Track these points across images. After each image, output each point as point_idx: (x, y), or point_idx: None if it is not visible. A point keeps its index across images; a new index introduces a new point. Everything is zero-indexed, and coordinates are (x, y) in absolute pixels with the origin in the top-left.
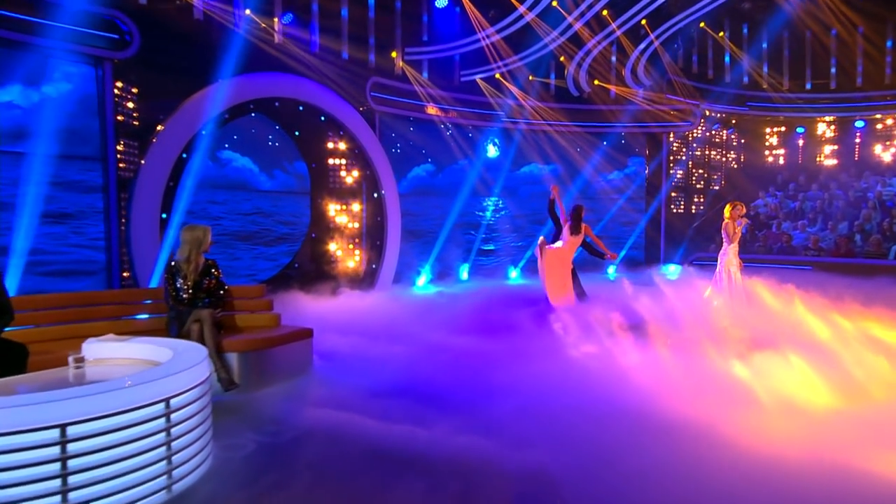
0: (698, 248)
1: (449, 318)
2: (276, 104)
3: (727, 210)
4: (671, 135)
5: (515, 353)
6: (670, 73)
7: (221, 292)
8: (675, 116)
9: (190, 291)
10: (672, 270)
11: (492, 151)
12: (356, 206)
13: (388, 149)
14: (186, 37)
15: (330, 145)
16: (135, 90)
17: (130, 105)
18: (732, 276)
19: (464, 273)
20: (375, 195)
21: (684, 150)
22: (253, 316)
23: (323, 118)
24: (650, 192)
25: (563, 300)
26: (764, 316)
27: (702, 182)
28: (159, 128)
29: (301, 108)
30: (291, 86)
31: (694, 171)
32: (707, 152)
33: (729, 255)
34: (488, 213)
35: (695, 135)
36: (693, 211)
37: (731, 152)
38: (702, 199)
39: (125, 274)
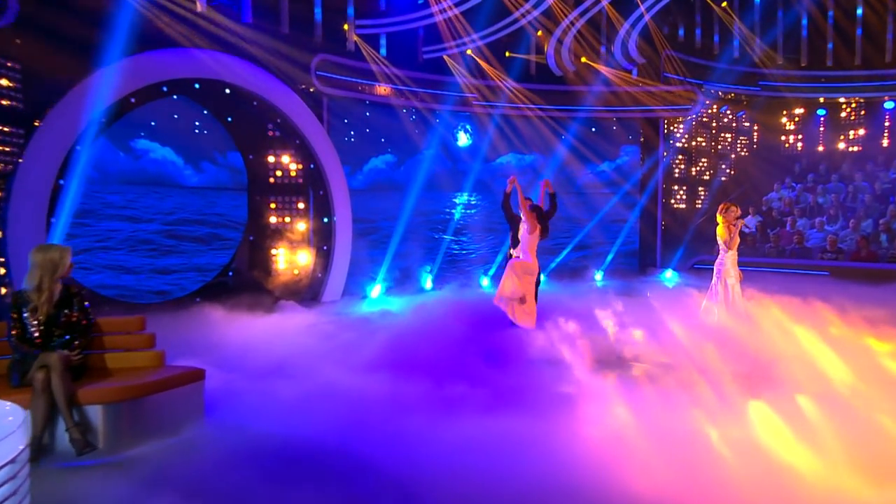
0: (700, 250)
1: (382, 347)
2: (197, 86)
3: (719, 214)
4: (670, 120)
5: (447, 401)
6: (667, 48)
7: (84, 325)
8: (673, 98)
9: (41, 328)
10: (669, 277)
11: (463, 139)
12: (301, 205)
13: (340, 137)
14: (80, 4)
15: (270, 134)
16: (14, 65)
17: (7, 83)
18: (730, 289)
19: (427, 281)
20: (321, 192)
21: (684, 136)
22: (130, 355)
23: (255, 103)
24: (645, 187)
25: (526, 320)
26: (765, 343)
27: (707, 173)
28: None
29: (228, 90)
30: (213, 65)
31: (697, 160)
32: (712, 139)
33: (726, 265)
34: (458, 211)
35: (698, 119)
36: (697, 206)
37: (742, 138)
38: (705, 193)
39: (1, 291)
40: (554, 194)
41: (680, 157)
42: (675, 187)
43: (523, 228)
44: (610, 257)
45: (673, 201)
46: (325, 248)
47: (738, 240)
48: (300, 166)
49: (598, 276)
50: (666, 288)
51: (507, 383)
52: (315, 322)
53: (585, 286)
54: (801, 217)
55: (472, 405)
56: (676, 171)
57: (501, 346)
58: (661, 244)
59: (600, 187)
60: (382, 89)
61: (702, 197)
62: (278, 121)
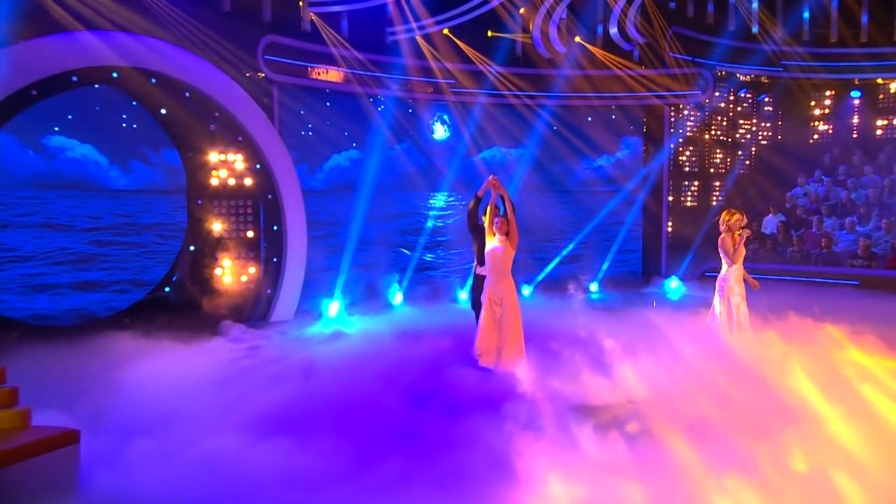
0: (712, 256)
1: (307, 392)
2: (114, 75)
3: (722, 220)
4: (677, 107)
5: (365, 478)
6: (673, 26)
7: None
8: (680, 83)
9: None
10: (674, 287)
11: (440, 132)
12: (247, 211)
13: (295, 131)
14: None
15: (211, 127)
16: None
17: None
18: (734, 310)
19: (396, 296)
20: (270, 196)
21: (695, 125)
22: None
23: (188, 94)
24: (651, 185)
25: (513, 361)
26: (767, 390)
27: (722, 166)
28: None
29: (154, 80)
30: (130, 51)
31: (710, 152)
32: (728, 127)
33: (730, 282)
34: (433, 214)
35: (711, 105)
36: (713, 202)
37: (764, 125)
38: (720, 188)
39: None
40: (506, 197)
41: (691, 148)
42: (686, 183)
43: (495, 244)
44: (605, 265)
45: (681, 199)
46: (274, 259)
47: (743, 252)
48: (245, 166)
49: (594, 287)
50: (668, 302)
51: (445, 454)
52: (249, 351)
53: (576, 300)
54: (830, 216)
55: (397, 484)
56: (686, 164)
57: (456, 388)
58: (667, 250)
59: (598, 185)
60: (344, 76)
61: (715, 194)
62: (216, 114)
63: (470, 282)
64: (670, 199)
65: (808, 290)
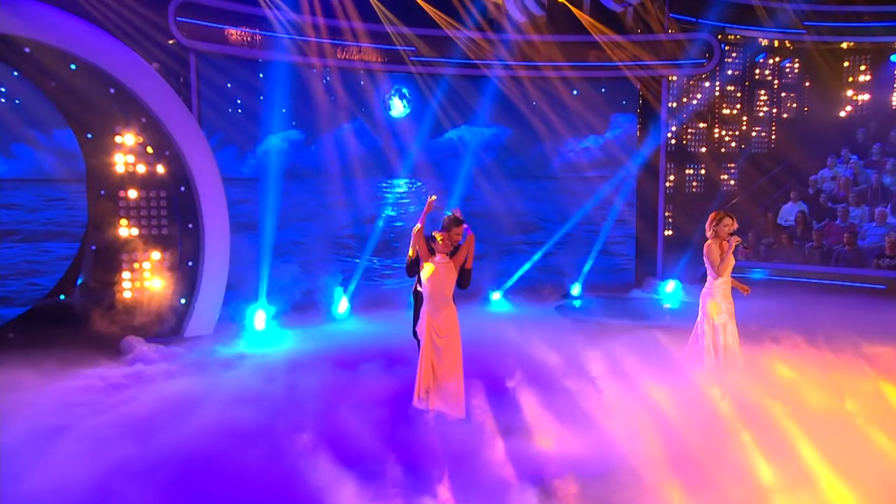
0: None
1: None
2: None
3: (709, 223)
4: (684, 78)
5: None
6: None
7: None
8: (680, 49)
9: None
10: (670, 291)
11: (398, 108)
12: (159, 205)
13: (220, 109)
14: None
15: (112, 107)
16: None
17: None
18: (719, 331)
19: (341, 303)
20: (182, 188)
21: (704, 98)
22: None
23: (74, 66)
24: (644, 170)
25: (454, 407)
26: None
27: (737, 145)
28: None
29: (27, 49)
30: None
31: (721, 128)
32: (743, 100)
33: (715, 296)
34: (389, 205)
35: (721, 74)
36: (723, 188)
37: (787, 96)
38: (732, 171)
39: None
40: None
41: (699, 124)
42: (690, 166)
43: (436, 263)
44: (588, 265)
45: (683, 186)
46: (189, 263)
47: (731, 262)
48: (153, 152)
49: (576, 290)
50: (660, 312)
51: None
52: (113, 388)
53: (551, 309)
54: (858, 205)
55: None
56: (691, 144)
57: (368, 458)
58: (663, 246)
59: (585, 169)
60: (280, 42)
61: (726, 177)
62: (112, 90)
63: (411, 301)
64: (669, 185)
65: (825, 297)
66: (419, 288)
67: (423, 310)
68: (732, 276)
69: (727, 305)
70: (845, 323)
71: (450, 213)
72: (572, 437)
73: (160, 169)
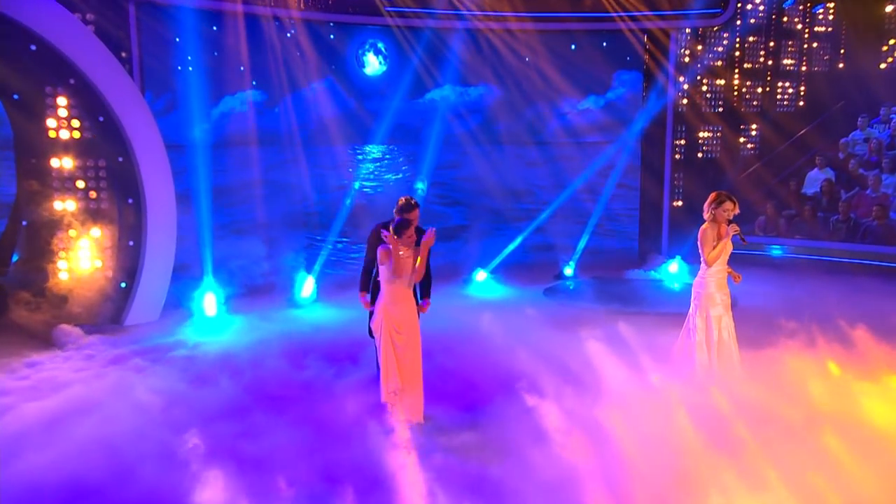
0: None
1: None
2: None
3: (708, 204)
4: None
5: None
6: None
7: None
8: None
9: None
10: (675, 271)
11: (373, 65)
12: (97, 175)
13: (167, 66)
14: None
15: (36, 66)
16: None
17: None
18: (713, 325)
19: (305, 286)
20: (120, 158)
21: (723, 51)
22: None
23: None
24: (649, 134)
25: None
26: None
27: (759, 104)
28: None
29: None
30: None
31: (741, 84)
32: (767, 51)
33: (708, 287)
34: (362, 174)
35: (750, 24)
36: (740, 152)
37: (818, 47)
38: (754, 134)
39: None
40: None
41: (718, 81)
42: (705, 131)
43: (395, 255)
44: (584, 241)
45: (695, 150)
46: (130, 243)
47: (728, 250)
48: (83, 116)
49: (569, 270)
50: (660, 294)
51: None
52: (41, 377)
53: (540, 292)
54: (893, 172)
55: None
56: (706, 103)
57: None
58: (670, 219)
59: (584, 134)
60: None
61: (744, 140)
62: (32, 47)
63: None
64: (678, 150)
65: (847, 279)
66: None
67: (378, 304)
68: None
69: (722, 297)
70: (868, 311)
71: (403, 198)
72: (515, 459)
73: (94, 136)
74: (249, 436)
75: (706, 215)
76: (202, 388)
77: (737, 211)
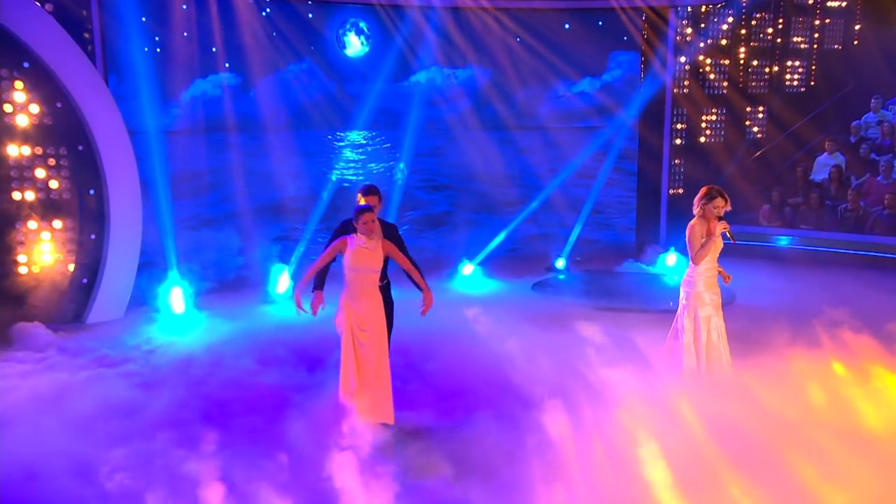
0: (734, 214)
1: None
2: None
3: (698, 199)
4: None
5: None
6: None
7: None
8: None
9: None
10: (672, 263)
11: (354, 46)
12: (58, 164)
13: (135, 47)
14: None
15: None
16: None
17: None
18: (701, 327)
19: (280, 281)
20: (81, 147)
21: (728, 29)
22: None
23: None
24: (647, 118)
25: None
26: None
27: (766, 84)
28: None
29: None
30: None
31: (748, 64)
32: (776, 28)
33: (696, 287)
34: (342, 161)
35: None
36: (748, 135)
37: (832, 23)
38: (760, 117)
39: None
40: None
41: (723, 61)
42: (706, 115)
43: (360, 245)
44: (576, 231)
45: (696, 134)
46: (92, 236)
47: (719, 247)
48: (39, 102)
49: (561, 262)
50: (654, 289)
51: None
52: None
53: (528, 285)
54: None
55: None
56: (709, 84)
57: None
58: (668, 208)
59: (578, 118)
60: None
61: (749, 123)
62: None
63: None
64: (678, 135)
65: (854, 274)
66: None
67: (342, 298)
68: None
69: (711, 296)
70: (871, 314)
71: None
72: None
73: (52, 123)
74: (189, 447)
75: (696, 210)
76: (151, 393)
77: (728, 207)
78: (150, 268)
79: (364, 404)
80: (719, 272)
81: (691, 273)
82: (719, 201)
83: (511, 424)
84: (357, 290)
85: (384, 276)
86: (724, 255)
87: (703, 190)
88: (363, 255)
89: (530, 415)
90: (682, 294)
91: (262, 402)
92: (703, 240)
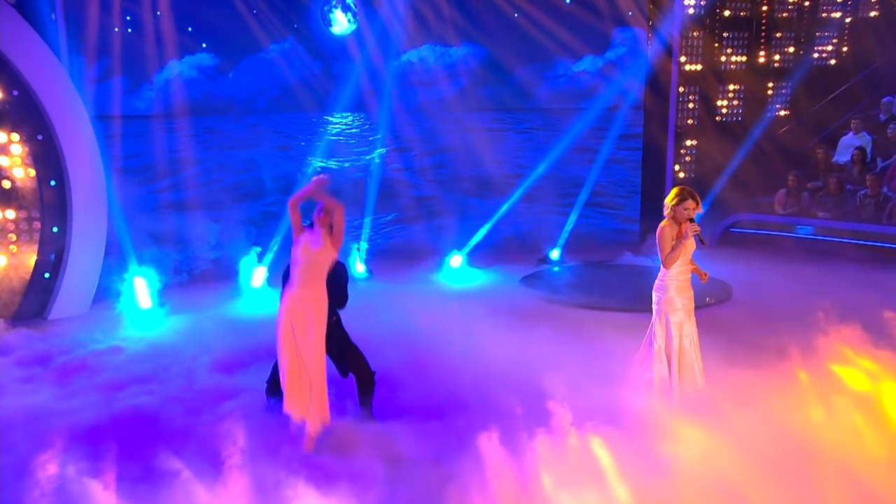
0: (741, 204)
1: None
2: None
3: (668, 201)
4: None
5: None
6: None
7: None
8: None
9: None
10: None
11: (341, 24)
12: (19, 155)
13: (104, 26)
14: None
15: None
16: None
17: None
18: (673, 334)
19: (256, 274)
20: (40, 136)
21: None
22: None
23: None
24: (652, 100)
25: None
26: None
27: (788, 59)
28: None
29: None
30: None
31: (769, 36)
32: None
33: (668, 291)
34: (325, 145)
35: None
36: (769, 113)
37: None
38: (781, 90)
39: None
40: (336, 210)
41: (742, 35)
42: (721, 92)
43: (309, 239)
44: (573, 219)
45: (705, 115)
46: (54, 229)
47: (691, 249)
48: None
49: (555, 253)
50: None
51: None
52: None
53: (517, 279)
54: None
55: None
56: (726, 60)
57: None
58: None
59: (580, 99)
60: None
61: (770, 96)
62: None
63: None
64: (690, 114)
65: (867, 269)
66: None
67: (285, 292)
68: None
69: (683, 301)
70: (865, 318)
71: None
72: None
73: (9, 112)
74: (119, 459)
75: (666, 212)
76: (90, 399)
77: (699, 210)
78: (117, 260)
79: (306, 414)
80: (695, 271)
81: (662, 277)
82: (690, 203)
83: (449, 444)
84: (300, 283)
85: (333, 312)
86: (733, 244)
87: (673, 191)
88: (311, 253)
89: (469, 438)
90: (653, 299)
91: (206, 406)
92: (674, 242)
